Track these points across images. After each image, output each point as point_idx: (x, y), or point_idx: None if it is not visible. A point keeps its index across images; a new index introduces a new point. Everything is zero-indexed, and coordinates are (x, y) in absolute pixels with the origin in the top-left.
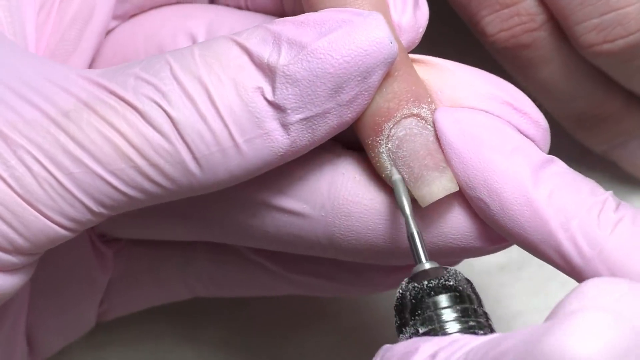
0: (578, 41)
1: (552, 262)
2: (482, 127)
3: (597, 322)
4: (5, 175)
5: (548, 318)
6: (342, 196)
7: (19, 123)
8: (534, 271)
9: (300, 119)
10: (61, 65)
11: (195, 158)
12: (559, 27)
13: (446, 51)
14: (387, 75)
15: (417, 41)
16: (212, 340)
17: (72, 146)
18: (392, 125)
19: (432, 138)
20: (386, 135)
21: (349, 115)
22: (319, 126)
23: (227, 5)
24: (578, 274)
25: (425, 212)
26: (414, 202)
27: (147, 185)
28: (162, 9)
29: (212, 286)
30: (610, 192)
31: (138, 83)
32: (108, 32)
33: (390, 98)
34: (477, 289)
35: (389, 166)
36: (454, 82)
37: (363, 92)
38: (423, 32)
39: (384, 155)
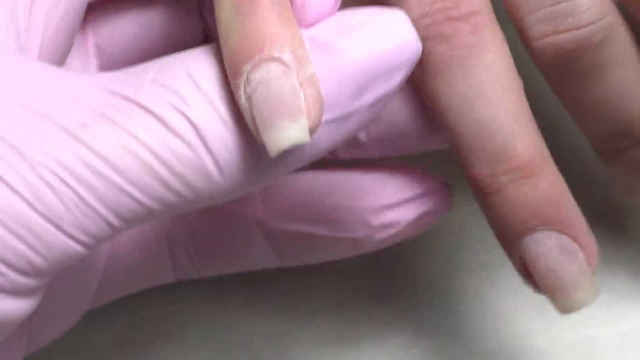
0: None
1: None
2: None
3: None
4: (25, 193)
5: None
6: None
7: (35, 138)
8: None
9: (324, 122)
10: (71, 73)
11: (217, 165)
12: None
13: None
14: (252, 14)
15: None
16: (195, 337)
17: (92, 159)
18: (250, 68)
19: (289, 84)
20: (245, 78)
21: (369, 117)
22: (341, 129)
23: None
24: None
25: None
26: None
27: (168, 196)
28: None
29: (196, 252)
30: None
31: (154, 89)
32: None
33: (252, 39)
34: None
35: (247, 113)
36: None
37: (386, 95)
38: None
39: (242, 100)
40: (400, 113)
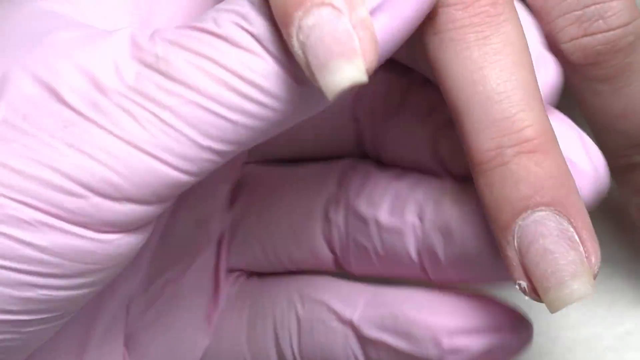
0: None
1: None
2: None
3: None
4: (102, 121)
5: None
6: None
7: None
8: None
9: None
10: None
11: (288, 70)
12: None
13: None
14: None
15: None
16: None
17: (163, 81)
18: (302, 15)
19: (342, 27)
20: (297, 26)
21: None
22: (401, 16)
23: None
24: None
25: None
26: None
27: (249, 106)
28: None
29: (299, 348)
30: None
31: (217, 14)
32: None
33: None
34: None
35: (301, 60)
36: None
37: None
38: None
39: (295, 48)
40: (471, 236)
